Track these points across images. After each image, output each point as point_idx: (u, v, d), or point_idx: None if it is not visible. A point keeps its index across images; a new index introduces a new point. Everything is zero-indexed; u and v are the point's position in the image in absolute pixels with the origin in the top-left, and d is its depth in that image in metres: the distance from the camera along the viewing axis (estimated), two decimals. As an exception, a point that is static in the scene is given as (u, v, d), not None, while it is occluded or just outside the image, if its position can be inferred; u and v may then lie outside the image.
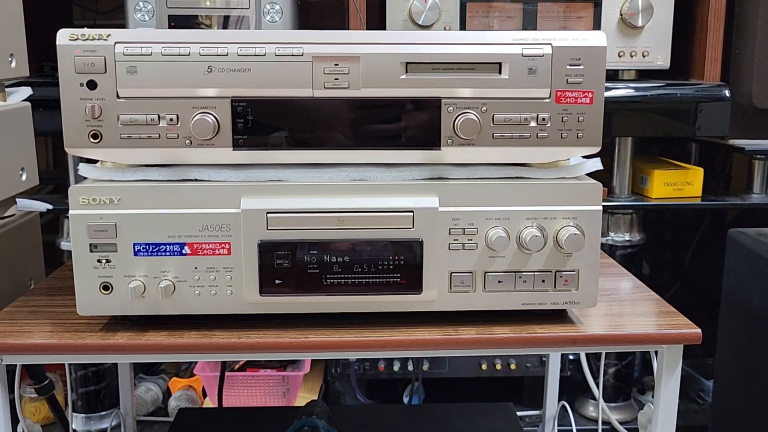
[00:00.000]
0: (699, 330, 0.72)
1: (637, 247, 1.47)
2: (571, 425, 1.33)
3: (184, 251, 0.70)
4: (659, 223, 1.80)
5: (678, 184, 1.45)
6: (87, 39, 0.67)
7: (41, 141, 1.65)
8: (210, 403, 1.57)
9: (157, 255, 0.70)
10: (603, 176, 1.50)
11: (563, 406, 1.15)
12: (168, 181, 0.70)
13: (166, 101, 0.68)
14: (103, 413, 1.54)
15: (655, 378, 0.75)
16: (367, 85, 0.68)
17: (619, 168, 1.46)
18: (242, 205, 0.69)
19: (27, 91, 0.97)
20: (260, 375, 1.53)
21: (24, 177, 0.94)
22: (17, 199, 0.96)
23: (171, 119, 0.68)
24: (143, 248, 0.70)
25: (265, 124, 0.69)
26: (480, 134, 0.69)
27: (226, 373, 1.51)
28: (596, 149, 0.71)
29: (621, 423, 1.53)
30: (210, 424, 1.11)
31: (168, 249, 0.70)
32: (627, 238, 1.46)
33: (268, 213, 0.69)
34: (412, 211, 0.70)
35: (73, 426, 1.48)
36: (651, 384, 1.63)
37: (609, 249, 1.47)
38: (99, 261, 0.69)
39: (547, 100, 0.69)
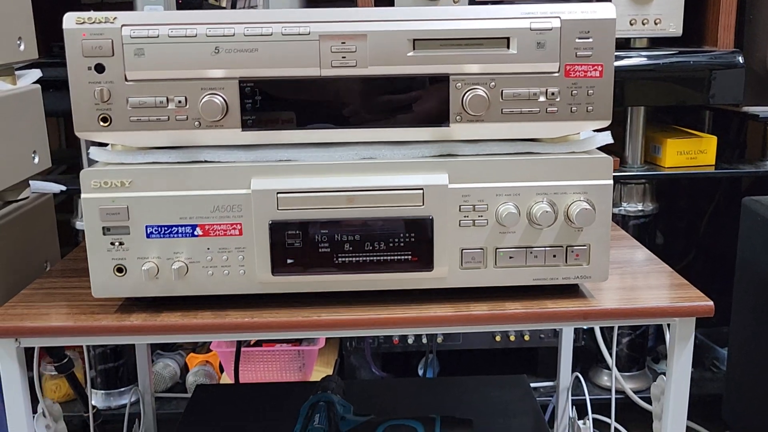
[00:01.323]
0: (711, 303, 0.72)
1: (650, 217, 1.47)
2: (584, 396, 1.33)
3: (195, 233, 0.70)
4: (673, 193, 1.79)
5: (691, 153, 1.44)
6: (94, 22, 0.67)
7: (53, 121, 1.66)
8: (227, 378, 1.59)
9: (169, 237, 0.70)
10: (615, 146, 1.49)
11: (577, 377, 1.16)
12: (178, 163, 0.70)
13: (174, 83, 0.68)
14: (122, 389, 1.56)
15: (667, 350, 0.76)
16: (374, 62, 0.68)
17: (631, 137, 1.45)
18: (252, 185, 0.69)
19: (36, 73, 0.98)
20: (276, 350, 1.55)
21: (36, 160, 0.95)
22: (30, 182, 0.97)
23: (179, 101, 0.68)
24: (155, 230, 0.70)
25: (274, 103, 0.69)
26: (489, 110, 0.69)
27: (243, 349, 1.53)
28: (606, 123, 0.71)
29: (635, 392, 1.53)
30: (227, 401, 1.12)
31: (180, 231, 0.70)
32: (640, 208, 1.46)
33: (278, 193, 0.69)
34: (422, 189, 0.70)
35: (93, 402, 1.50)
36: (665, 353, 1.63)
37: (622, 219, 1.46)
38: (112, 244, 0.70)
39: (556, 75, 0.69)
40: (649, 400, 1.50)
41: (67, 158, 1.61)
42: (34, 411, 0.77)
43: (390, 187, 0.70)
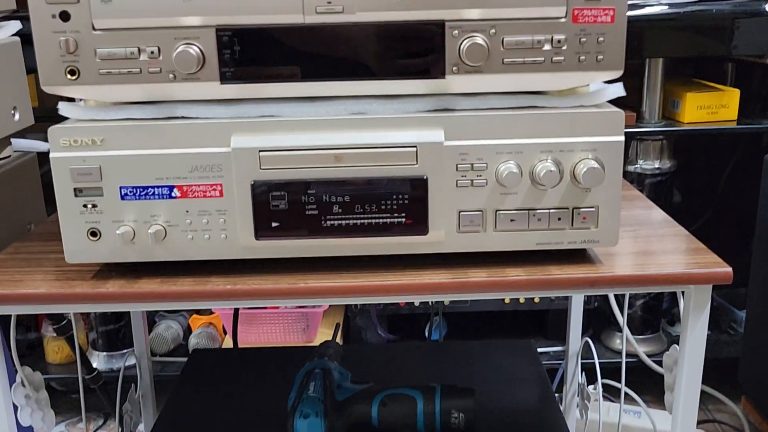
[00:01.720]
0: (729, 269, 0.67)
1: (667, 174, 1.40)
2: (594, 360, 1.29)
3: (173, 194, 0.66)
4: (691, 149, 1.72)
5: (712, 108, 1.37)
6: (56, -35, 0.61)
7: (35, 78, 1.61)
8: (230, 340, 1.56)
9: (145, 198, 0.66)
10: (632, 100, 1.43)
11: (587, 342, 1.11)
12: (153, 119, 0.65)
13: (145, 32, 0.63)
14: (124, 351, 1.54)
15: (681, 320, 0.70)
16: (363, 8, 0.62)
17: (649, 91, 1.38)
18: (233, 143, 0.64)
19: (16, 25, 0.93)
20: (279, 312, 1.51)
21: (17, 117, 0.90)
22: (12, 140, 0.93)
23: (152, 52, 0.63)
24: (130, 191, 0.65)
25: (254, 54, 0.64)
26: (488, 60, 0.63)
27: (245, 311, 1.50)
28: (618, 73, 0.64)
29: (649, 356, 1.49)
30: (223, 365, 1.09)
31: (156, 192, 0.66)
32: (656, 166, 1.39)
33: (260, 151, 0.64)
34: (415, 146, 0.64)
35: (95, 364, 1.48)
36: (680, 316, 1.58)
37: (637, 177, 1.40)
38: (85, 206, 0.66)
39: (562, 20, 0.63)
40: (661, 363, 1.46)
41: (53, 117, 1.56)
42: (13, 381, 0.74)
43: (381, 144, 0.64)
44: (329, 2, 0.62)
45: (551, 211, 0.66)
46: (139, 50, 0.63)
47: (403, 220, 0.66)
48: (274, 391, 0.98)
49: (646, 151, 1.39)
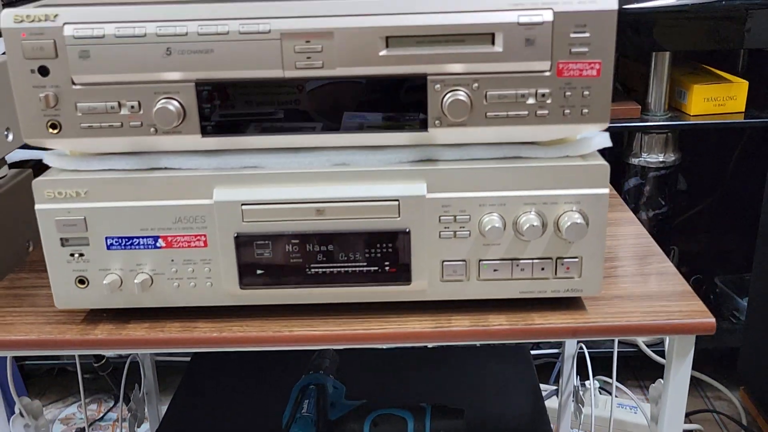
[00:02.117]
0: (712, 320, 0.67)
1: (671, 168, 1.39)
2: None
3: (158, 244, 0.66)
4: (698, 140, 1.69)
5: (719, 100, 1.34)
6: (33, 20, 0.61)
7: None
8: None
9: (130, 248, 0.66)
10: (637, 90, 1.40)
11: (581, 347, 1.12)
12: (136, 170, 0.65)
13: (125, 87, 0.62)
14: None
15: (665, 363, 0.71)
16: (343, 63, 0.61)
17: (655, 82, 1.36)
18: (215, 196, 0.64)
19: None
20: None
21: (10, 137, 0.91)
22: (7, 157, 0.93)
23: (132, 106, 0.63)
24: (116, 242, 0.66)
25: (235, 108, 0.63)
26: (471, 114, 0.62)
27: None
28: (603, 126, 0.63)
29: (648, 345, 1.49)
30: (222, 373, 1.11)
31: (141, 242, 0.66)
32: (661, 160, 1.37)
33: (242, 205, 0.64)
34: (397, 200, 0.64)
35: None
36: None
37: (641, 170, 1.39)
38: (72, 255, 0.66)
39: (547, 74, 0.61)
40: (661, 353, 1.46)
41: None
42: (12, 412, 0.76)
43: (362, 198, 0.64)
44: (309, 57, 0.61)
45: (535, 261, 0.66)
46: (120, 104, 0.63)
47: (387, 269, 0.66)
48: (271, 401, 1.00)
49: (651, 144, 1.37)
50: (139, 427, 1.13)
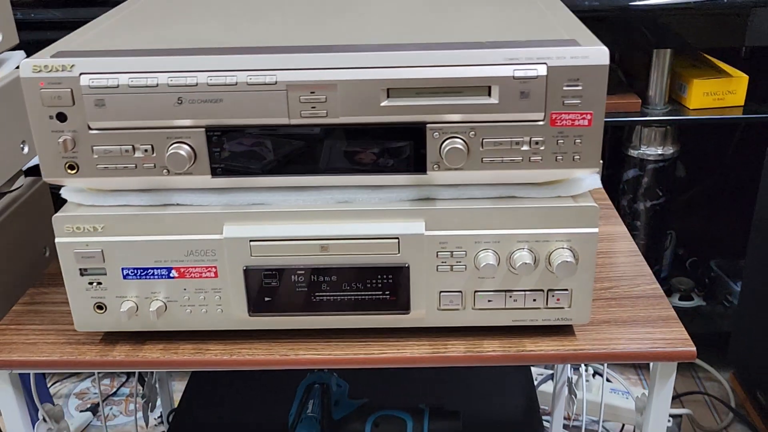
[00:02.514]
0: (693, 349, 0.71)
1: (669, 160, 1.41)
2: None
3: (171, 275, 0.70)
4: (697, 131, 1.71)
5: (719, 94, 1.36)
6: (51, 70, 0.64)
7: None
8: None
9: (145, 278, 0.70)
10: (638, 83, 1.41)
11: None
12: (150, 206, 0.69)
13: (138, 132, 0.65)
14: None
15: (648, 386, 0.75)
16: (346, 113, 0.64)
17: (656, 74, 1.37)
18: (225, 233, 0.68)
19: (20, 56, 0.95)
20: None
21: (26, 150, 0.94)
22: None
23: (146, 150, 0.66)
24: (131, 272, 0.70)
25: (243, 151, 0.66)
26: (469, 158, 0.66)
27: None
28: (594, 171, 0.67)
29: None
30: (220, 380, 1.16)
31: (156, 273, 0.70)
32: (659, 152, 1.40)
33: (251, 241, 0.68)
34: (397, 238, 0.68)
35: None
36: (679, 286, 1.63)
37: (639, 162, 1.41)
38: (90, 283, 0.70)
39: (540, 123, 0.64)
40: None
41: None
42: (37, 418, 0.81)
43: (365, 235, 0.68)
44: (314, 107, 0.64)
45: (527, 292, 0.70)
46: (134, 148, 0.66)
47: (387, 298, 0.70)
48: (280, 397, 1.06)
49: (650, 137, 1.39)
50: (152, 411, 1.19)
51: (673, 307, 0.77)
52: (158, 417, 1.42)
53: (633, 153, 1.39)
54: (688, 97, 1.35)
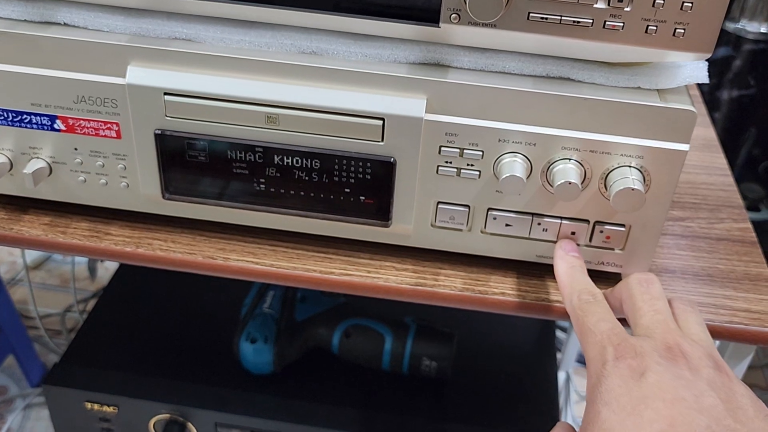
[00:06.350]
0: (784, 333, 0.49)
1: (774, 42, 1.12)
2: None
3: (56, 126, 0.49)
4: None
5: None
6: None
7: None
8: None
9: (20, 126, 0.49)
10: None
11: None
12: (25, 22, 0.46)
13: None
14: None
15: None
16: None
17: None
18: (129, 76, 0.45)
19: None
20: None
21: None
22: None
23: (9, -69, 0.42)
24: (2, 115, 0.49)
25: (158, -48, 0.42)
26: (507, 11, 0.41)
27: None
28: (705, 56, 0.42)
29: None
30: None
31: (35, 121, 0.49)
32: (763, 30, 1.11)
33: (165, 94, 0.45)
34: (383, 119, 0.45)
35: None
36: (746, 193, 1.38)
37: (735, 40, 1.12)
38: (-55, 123, 0.49)
39: (634, -34, 0.39)
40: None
41: None
42: None
43: (335, 109, 0.45)
44: None
45: (564, 221, 0.48)
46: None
47: (362, 200, 0.49)
48: (235, 286, 0.86)
49: (755, 7, 1.09)
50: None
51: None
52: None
53: (729, 26, 1.10)
54: (817, -38, 1.04)
